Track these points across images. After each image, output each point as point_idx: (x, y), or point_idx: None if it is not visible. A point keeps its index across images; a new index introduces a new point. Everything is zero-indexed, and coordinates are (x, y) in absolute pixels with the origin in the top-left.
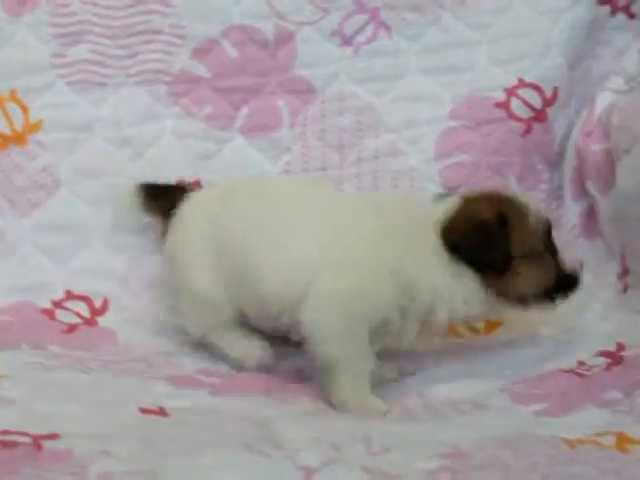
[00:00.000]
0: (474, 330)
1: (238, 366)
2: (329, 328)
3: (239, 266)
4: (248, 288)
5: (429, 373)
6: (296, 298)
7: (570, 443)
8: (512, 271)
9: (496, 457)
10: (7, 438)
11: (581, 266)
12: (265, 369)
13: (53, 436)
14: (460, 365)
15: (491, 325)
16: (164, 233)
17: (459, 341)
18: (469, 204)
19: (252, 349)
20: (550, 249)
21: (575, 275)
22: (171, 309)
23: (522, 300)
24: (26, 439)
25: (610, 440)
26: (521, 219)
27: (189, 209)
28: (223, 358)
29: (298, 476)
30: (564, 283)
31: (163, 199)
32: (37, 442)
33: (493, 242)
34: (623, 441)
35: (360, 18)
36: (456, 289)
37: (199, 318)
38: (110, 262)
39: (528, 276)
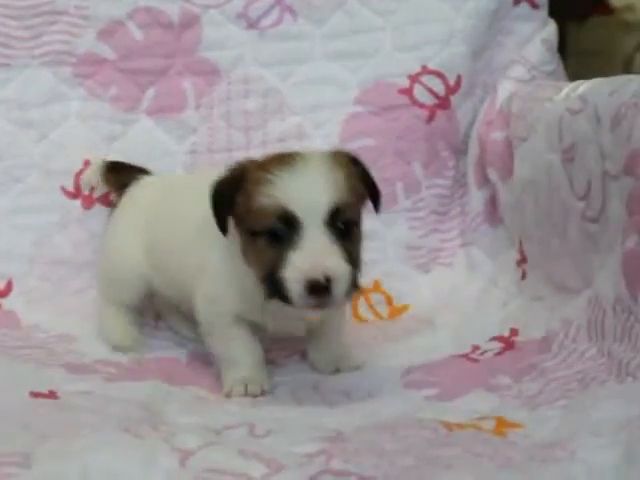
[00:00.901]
0: (378, 315)
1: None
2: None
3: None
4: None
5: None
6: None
7: (449, 426)
8: (243, 243)
9: (373, 441)
10: None
11: (329, 283)
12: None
13: None
14: (358, 353)
15: (396, 310)
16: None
17: (360, 326)
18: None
19: (125, 334)
20: (277, 238)
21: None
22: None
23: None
24: None
25: (490, 424)
26: (256, 188)
27: (135, 189)
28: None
29: (172, 457)
30: (277, 286)
31: (122, 176)
32: None
33: (219, 197)
34: (501, 425)
35: (266, 2)
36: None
37: (109, 289)
38: (15, 243)
39: (245, 254)
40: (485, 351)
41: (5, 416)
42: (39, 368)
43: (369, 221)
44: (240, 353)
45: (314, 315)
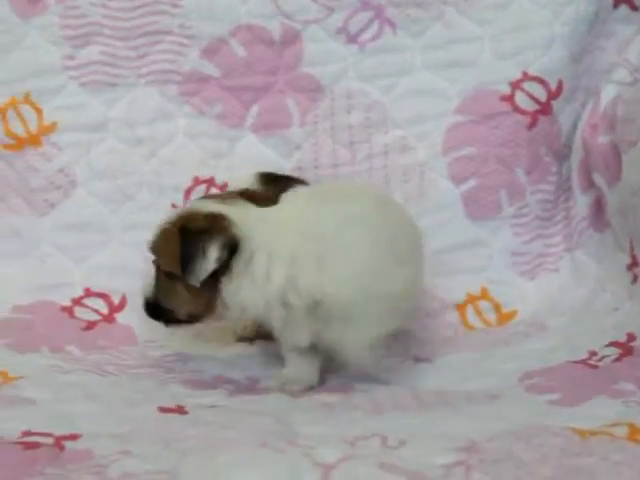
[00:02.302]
0: (487, 322)
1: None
2: None
3: None
4: None
5: (443, 363)
6: None
7: (582, 434)
8: None
9: (509, 450)
10: (29, 439)
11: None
12: None
13: (74, 436)
14: (471, 357)
15: (504, 317)
16: None
17: (471, 332)
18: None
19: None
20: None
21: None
22: None
23: None
24: (48, 440)
25: (622, 431)
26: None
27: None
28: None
29: (316, 473)
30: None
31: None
32: (59, 443)
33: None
34: (635, 432)
35: (365, 15)
36: None
37: None
38: (128, 259)
39: None
40: (603, 357)
41: (141, 432)
42: (161, 384)
43: (475, 229)
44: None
45: None
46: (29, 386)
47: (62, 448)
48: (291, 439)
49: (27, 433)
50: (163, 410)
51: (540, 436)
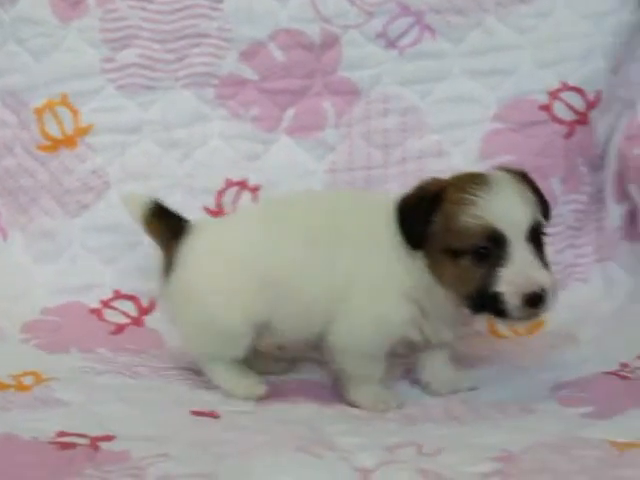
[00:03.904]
0: (516, 331)
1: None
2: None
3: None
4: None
5: (472, 375)
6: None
7: (618, 446)
8: (435, 261)
9: (546, 461)
10: (65, 440)
11: (544, 293)
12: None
13: (108, 438)
14: (503, 367)
15: (533, 326)
16: (166, 263)
17: (500, 342)
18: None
19: (249, 383)
20: (484, 256)
21: (504, 299)
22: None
23: (456, 298)
24: (84, 440)
25: None
26: (458, 208)
27: (209, 240)
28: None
29: (354, 477)
30: (489, 302)
31: (170, 225)
32: (94, 443)
33: (414, 214)
34: None
35: (405, 21)
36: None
37: (214, 347)
38: (158, 262)
39: (443, 272)
40: (635, 368)
41: (177, 436)
42: (194, 388)
43: None
44: (377, 370)
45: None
46: (61, 387)
47: (97, 449)
48: (327, 445)
49: (62, 434)
50: (196, 414)
51: (576, 448)
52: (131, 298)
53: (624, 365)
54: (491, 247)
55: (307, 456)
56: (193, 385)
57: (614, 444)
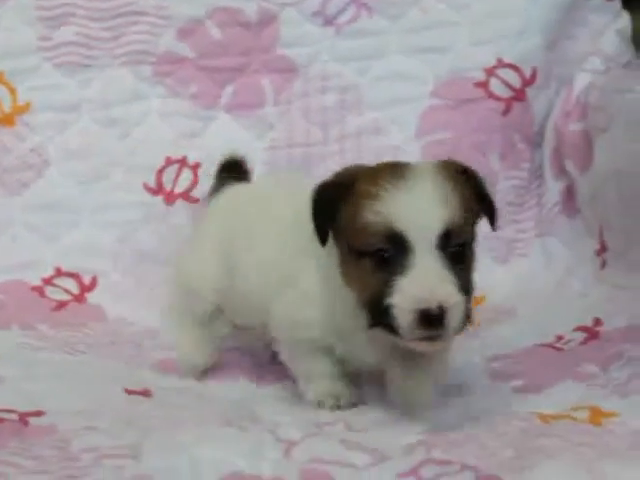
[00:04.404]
0: None
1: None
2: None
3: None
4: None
5: None
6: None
7: (544, 418)
8: (343, 260)
9: (472, 435)
10: None
11: (442, 312)
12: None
13: (38, 413)
14: None
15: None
16: None
17: None
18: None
19: (195, 352)
20: (385, 260)
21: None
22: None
23: (357, 305)
24: (13, 416)
25: (584, 414)
26: (364, 202)
27: (221, 200)
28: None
29: (278, 448)
30: (383, 315)
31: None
32: (23, 419)
33: (320, 205)
34: (597, 415)
35: None
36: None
37: (182, 298)
38: (99, 239)
39: (347, 274)
40: (569, 340)
41: (107, 411)
42: (131, 366)
43: None
44: (323, 369)
45: (422, 349)
46: None
47: (26, 424)
48: (255, 420)
49: None
50: (129, 392)
51: (504, 424)
52: (72, 275)
53: (559, 337)
54: (392, 251)
55: (232, 429)
56: (131, 362)
57: (540, 416)
